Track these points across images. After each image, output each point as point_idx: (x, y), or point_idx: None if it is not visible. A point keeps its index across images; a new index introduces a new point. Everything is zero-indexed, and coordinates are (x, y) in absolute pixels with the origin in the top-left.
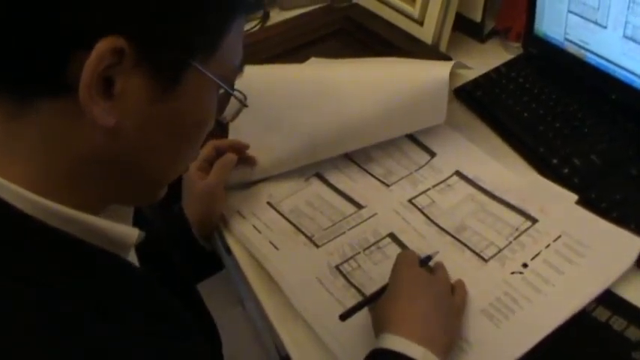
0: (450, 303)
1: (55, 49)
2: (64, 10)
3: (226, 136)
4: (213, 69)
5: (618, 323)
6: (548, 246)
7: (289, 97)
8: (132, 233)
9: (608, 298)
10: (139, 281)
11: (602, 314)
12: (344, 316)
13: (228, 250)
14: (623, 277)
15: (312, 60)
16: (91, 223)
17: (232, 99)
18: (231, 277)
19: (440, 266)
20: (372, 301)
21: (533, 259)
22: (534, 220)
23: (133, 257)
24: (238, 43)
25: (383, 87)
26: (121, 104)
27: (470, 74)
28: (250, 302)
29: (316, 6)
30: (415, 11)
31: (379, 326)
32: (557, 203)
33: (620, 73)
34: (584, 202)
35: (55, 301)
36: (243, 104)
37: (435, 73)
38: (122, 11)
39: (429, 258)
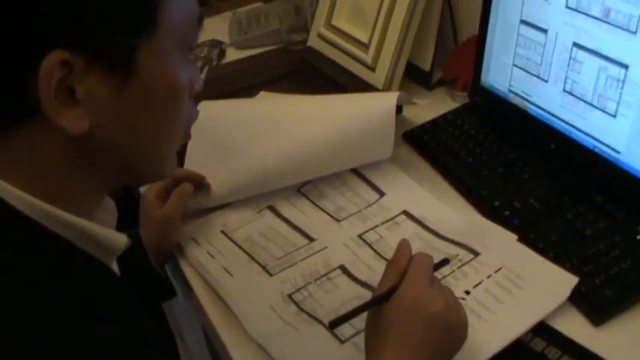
0: (450, 352)
1: (9, 79)
2: (4, 42)
3: (182, 166)
4: (164, 39)
5: (553, 353)
6: (489, 276)
7: (242, 130)
8: (121, 239)
9: (544, 330)
10: (121, 291)
11: (538, 344)
12: (333, 324)
13: (183, 277)
14: (558, 311)
15: (262, 94)
16: (84, 227)
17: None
18: (172, 311)
19: (448, 290)
20: (366, 309)
21: (475, 287)
22: (476, 253)
23: (115, 268)
24: (186, 1)
25: (331, 118)
26: (89, 106)
27: (417, 120)
28: (192, 335)
29: (271, 47)
30: (368, 57)
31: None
32: (498, 241)
33: (558, 124)
34: (524, 241)
35: (52, 302)
36: (208, 59)
37: (381, 103)
38: (53, 28)
39: (446, 261)
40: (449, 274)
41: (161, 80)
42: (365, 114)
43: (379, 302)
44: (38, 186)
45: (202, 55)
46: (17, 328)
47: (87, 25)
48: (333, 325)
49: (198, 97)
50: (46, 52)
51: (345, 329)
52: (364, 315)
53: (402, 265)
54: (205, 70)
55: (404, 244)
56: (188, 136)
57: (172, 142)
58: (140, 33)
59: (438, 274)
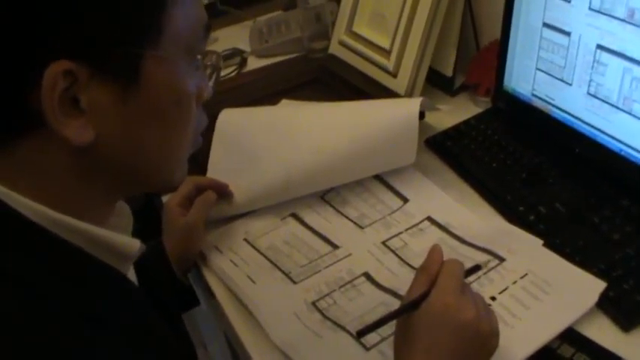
0: None
1: (11, 90)
2: (5, 54)
3: (205, 174)
4: (169, 47)
5: None
6: (515, 282)
7: (264, 137)
8: (133, 244)
9: (572, 336)
10: (133, 298)
11: (566, 351)
12: (361, 333)
13: (206, 285)
14: (586, 317)
15: (284, 102)
16: (94, 232)
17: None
18: (194, 319)
19: (480, 298)
20: (395, 318)
21: (500, 293)
22: (502, 259)
23: (132, 276)
24: (190, 10)
25: (354, 124)
26: (94, 116)
27: (440, 126)
28: (215, 344)
29: (292, 55)
30: (390, 64)
31: None
32: (524, 246)
33: (583, 128)
34: (550, 246)
35: (52, 304)
36: (216, 67)
37: (404, 109)
38: (56, 38)
39: (477, 267)
40: (474, 281)
41: (167, 88)
42: (388, 120)
43: (408, 310)
44: (45, 195)
45: (210, 63)
46: (17, 328)
47: (89, 34)
48: (361, 334)
49: (213, 106)
50: (48, 62)
51: (370, 336)
52: (391, 322)
53: (433, 271)
54: (213, 77)
55: (435, 250)
56: (198, 143)
57: (180, 150)
58: (144, 41)
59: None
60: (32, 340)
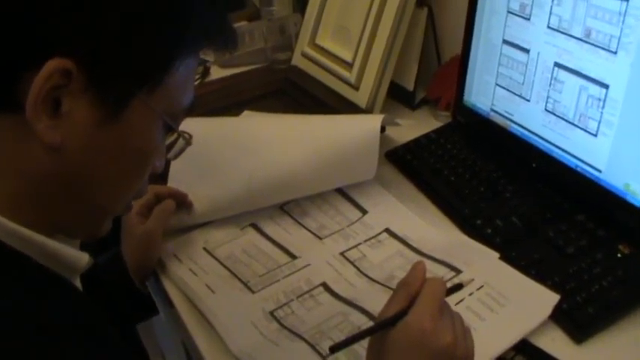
0: None
1: (6, 66)
2: (16, 29)
3: (166, 183)
4: (158, 103)
5: None
6: (471, 294)
7: (226, 148)
8: (82, 257)
9: (526, 347)
10: (85, 309)
11: None
12: (334, 348)
13: (165, 294)
14: (540, 329)
15: (246, 113)
16: (44, 244)
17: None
18: (152, 329)
19: (458, 319)
20: (369, 334)
21: (456, 304)
22: (458, 271)
23: (78, 284)
24: (187, 84)
25: (316, 139)
26: (66, 124)
27: (401, 139)
28: (173, 354)
29: (255, 65)
30: (352, 77)
31: None
32: (480, 259)
33: (540, 143)
34: (506, 259)
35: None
36: (187, 142)
37: (366, 126)
38: (73, 35)
39: (459, 286)
40: None
41: (139, 135)
42: (349, 136)
43: (384, 327)
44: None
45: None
46: None
47: (104, 48)
48: (333, 350)
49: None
50: (56, 53)
51: (326, 345)
52: (346, 330)
53: (414, 288)
54: (176, 149)
55: (419, 267)
56: (129, 208)
57: (116, 202)
58: (144, 84)
59: None
60: None
